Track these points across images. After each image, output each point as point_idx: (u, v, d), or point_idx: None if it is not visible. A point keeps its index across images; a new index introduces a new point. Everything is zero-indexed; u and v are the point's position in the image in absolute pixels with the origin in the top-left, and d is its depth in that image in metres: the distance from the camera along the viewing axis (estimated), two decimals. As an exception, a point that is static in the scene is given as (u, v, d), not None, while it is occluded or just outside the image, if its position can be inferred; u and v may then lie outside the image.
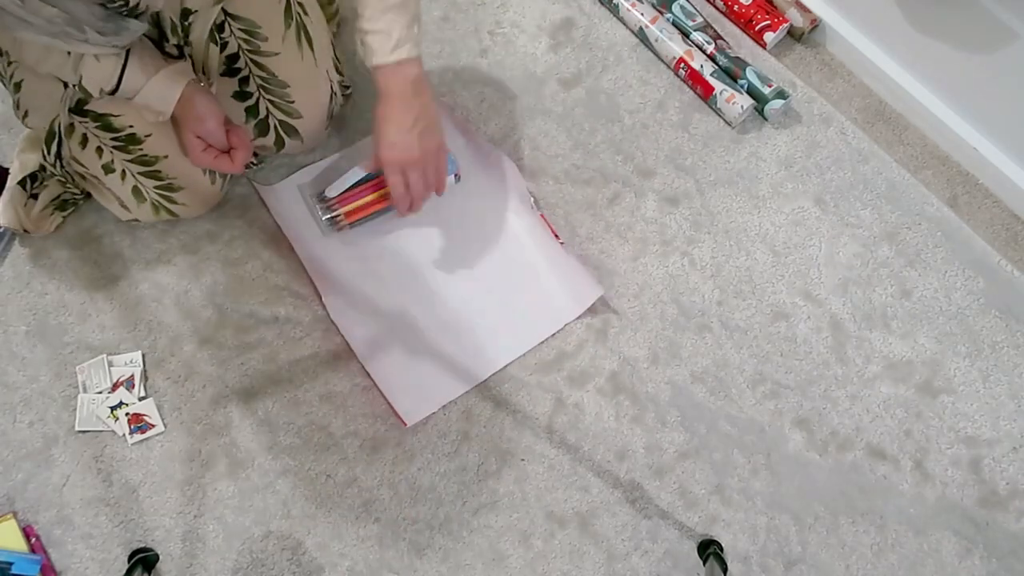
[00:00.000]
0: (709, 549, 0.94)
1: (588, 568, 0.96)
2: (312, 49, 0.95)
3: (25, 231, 1.03)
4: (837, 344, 1.06)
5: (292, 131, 0.99)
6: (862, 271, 1.09)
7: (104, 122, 0.88)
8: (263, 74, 0.93)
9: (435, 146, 0.89)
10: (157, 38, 0.86)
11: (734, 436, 1.02)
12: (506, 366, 1.02)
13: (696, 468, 1.00)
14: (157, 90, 0.81)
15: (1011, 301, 1.08)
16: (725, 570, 0.90)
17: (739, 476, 1.00)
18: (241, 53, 0.91)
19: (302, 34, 0.93)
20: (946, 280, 1.09)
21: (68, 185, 1.00)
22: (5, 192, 1.03)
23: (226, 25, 0.88)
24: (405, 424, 0.97)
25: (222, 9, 0.86)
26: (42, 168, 1.03)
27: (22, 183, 1.02)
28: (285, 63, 0.93)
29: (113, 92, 0.80)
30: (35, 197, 1.04)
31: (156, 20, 0.84)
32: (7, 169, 1.04)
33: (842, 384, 1.04)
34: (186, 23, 0.84)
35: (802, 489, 1.00)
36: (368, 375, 1.00)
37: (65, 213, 1.05)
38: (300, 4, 0.93)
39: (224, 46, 0.90)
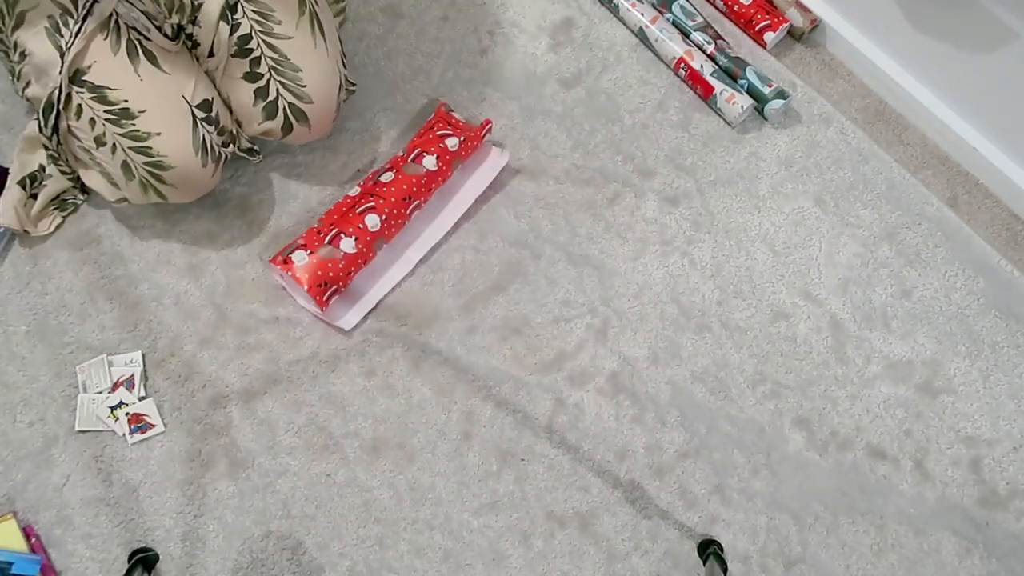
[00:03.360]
0: (709, 549, 0.94)
1: (588, 568, 0.96)
2: (324, 38, 0.96)
3: (25, 231, 1.03)
4: (837, 344, 1.06)
5: (301, 116, 0.98)
6: (862, 271, 1.09)
7: (99, 94, 0.88)
8: (275, 55, 0.93)
9: None
10: (159, 15, 0.86)
11: (734, 436, 1.02)
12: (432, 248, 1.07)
13: (696, 468, 1.00)
14: None
15: (1011, 301, 1.08)
16: (725, 570, 0.90)
17: (739, 476, 1.00)
18: (254, 34, 0.91)
19: (315, 22, 0.95)
20: (946, 280, 1.09)
21: (60, 163, 1.00)
22: (5, 192, 1.03)
23: (239, 6, 0.89)
24: (345, 329, 1.03)
25: None
26: (42, 168, 1.03)
27: (22, 183, 1.03)
28: (298, 48, 0.94)
29: None
30: (35, 197, 1.04)
31: None
32: (7, 169, 1.04)
33: (842, 384, 1.04)
34: (197, 2, 0.84)
35: (802, 489, 1.00)
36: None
37: (65, 213, 1.05)
38: None
39: (236, 27, 0.90)
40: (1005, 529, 0.99)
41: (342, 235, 0.99)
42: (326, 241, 0.98)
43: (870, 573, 0.97)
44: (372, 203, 1.00)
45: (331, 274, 0.98)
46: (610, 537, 0.97)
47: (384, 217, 1.00)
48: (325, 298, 0.99)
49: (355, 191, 1.04)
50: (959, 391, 1.05)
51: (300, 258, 0.97)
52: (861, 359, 1.05)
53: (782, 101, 1.14)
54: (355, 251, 0.99)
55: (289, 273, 0.97)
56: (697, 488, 1.00)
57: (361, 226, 0.99)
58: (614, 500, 0.99)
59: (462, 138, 1.06)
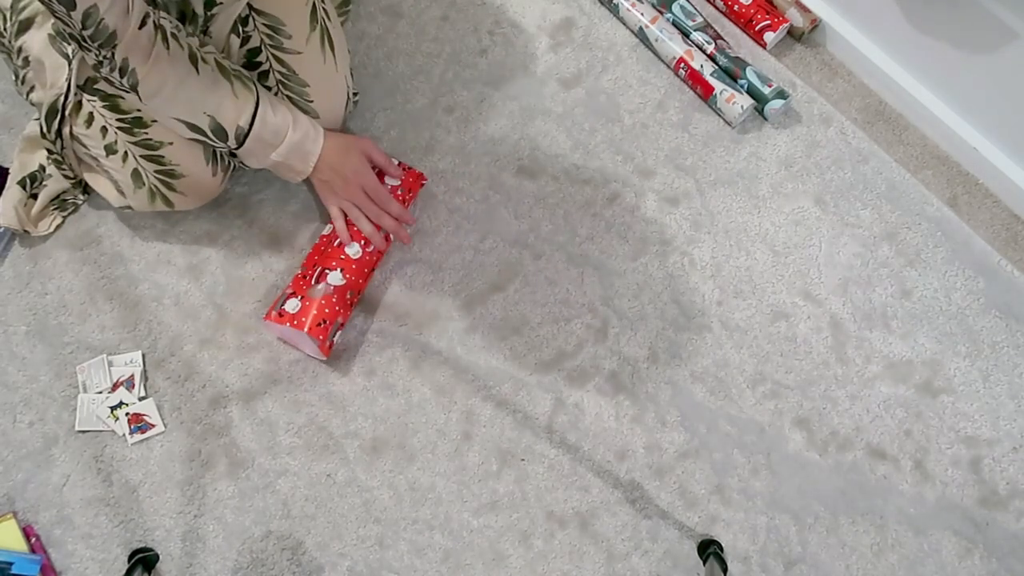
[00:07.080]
0: (709, 549, 0.94)
1: (588, 568, 0.96)
2: (334, 54, 0.96)
3: (25, 231, 1.03)
4: (837, 344, 1.06)
5: None
6: (862, 271, 1.09)
7: (112, 102, 0.88)
8: (284, 70, 0.93)
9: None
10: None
11: (734, 436, 1.02)
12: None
13: (696, 468, 1.00)
14: (299, 136, 0.92)
15: (1011, 301, 1.08)
16: (725, 570, 0.90)
17: (739, 476, 1.00)
18: (263, 48, 0.91)
19: (326, 38, 0.94)
20: (946, 280, 1.09)
21: (63, 167, 1.00)
22: (5, 192, 1.03)
23: (250, 19, 0.89)
24: (327, 355, 0.99)
25: (247, 3, 0.87)
26: (42, 168, 1.03)
27: (22, 183, 1.03)
28: (307, 63, 0.93)
29: (247, 132, 0.88)
30: (35, 197, 1.04)
31: (178, 9, 0.84)
32: (7, 169, 1.04)
33: (842, 384, 1.04)
34: (210, 13, 0.84)
35: (802, 489, 1.00)
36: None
37: (65, 213, 1.06)
38: (325, 10, 0.94)
39: (246, 39, 0.90)
40: (1005, 529, 0.99)
41: (327, 271, 0.97)
42: (313, 282, 0.97)
43: (870, 573, 0.97)
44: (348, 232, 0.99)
45: (327, 310, 0.95)
46: (610, 537, 0.97)
47: (363, 243, 0.99)
48: (329, 336, 0.96)
49: (328, 229, 1.02)
50: (959, 391, 1.05)
51: (294, 306, 0.95)
52: (861, 359, 1.05)
53: (782, 101, 1.14)
54: (344, 282, 0.97)
55: (288, 324, 0.94)
56: (697, 488, 1.00)
57: (343, 257, 0.98)
58: (614, 500, 0.99)
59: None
